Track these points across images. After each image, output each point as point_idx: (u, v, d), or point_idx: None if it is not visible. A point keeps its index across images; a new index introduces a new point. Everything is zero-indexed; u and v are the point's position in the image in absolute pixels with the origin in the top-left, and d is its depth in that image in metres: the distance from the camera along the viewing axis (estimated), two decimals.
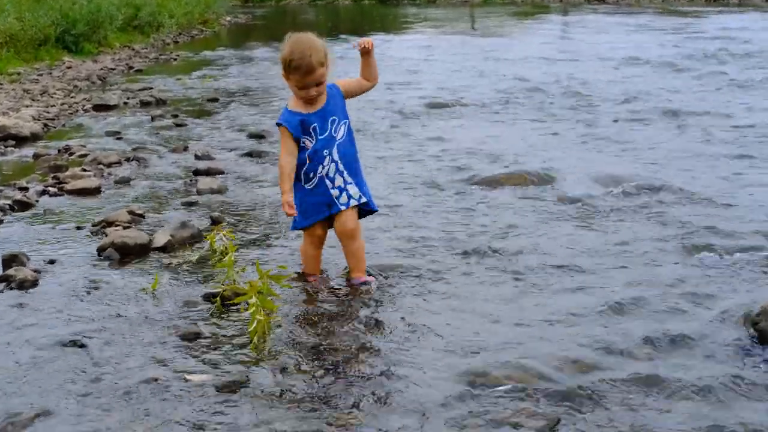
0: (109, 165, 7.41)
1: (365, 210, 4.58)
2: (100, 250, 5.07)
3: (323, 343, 3.77)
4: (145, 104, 11.36)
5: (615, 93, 10.92)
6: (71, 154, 7.94)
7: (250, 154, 7.88)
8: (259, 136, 8.75)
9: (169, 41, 22.40)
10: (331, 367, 3.52)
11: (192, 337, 3.83)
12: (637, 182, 6.31)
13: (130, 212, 5.79)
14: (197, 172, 7.12)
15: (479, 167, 7.06)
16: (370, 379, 3.41)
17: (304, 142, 4.36)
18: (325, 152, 4.37)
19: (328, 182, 4.40)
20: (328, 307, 4.20)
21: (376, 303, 4.24)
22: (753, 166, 6.90)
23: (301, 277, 4.58)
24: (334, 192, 4.41)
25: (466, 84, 12.25)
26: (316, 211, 4.43)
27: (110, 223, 5.55)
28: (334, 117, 4.41)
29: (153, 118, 10.07)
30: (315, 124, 4.35)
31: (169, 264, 4.91)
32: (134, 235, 5.16)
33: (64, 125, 9.86)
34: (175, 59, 18.14)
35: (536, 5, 39.72)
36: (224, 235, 4.73)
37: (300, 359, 3.60)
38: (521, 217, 5.67)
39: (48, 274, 4.71)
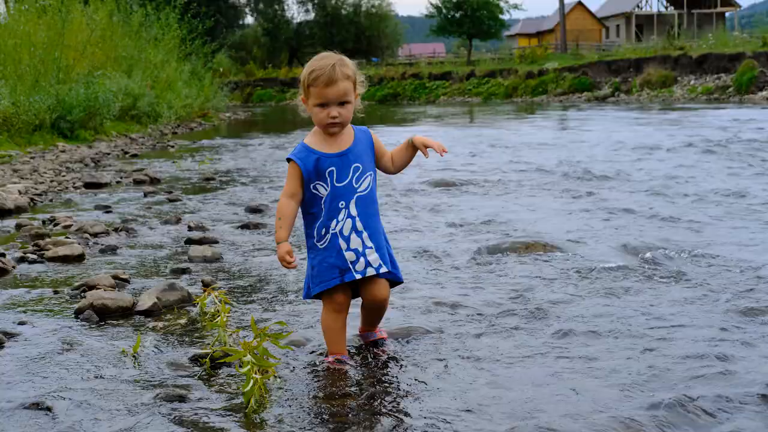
0: (95, 234, 6.91)
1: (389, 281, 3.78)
2: (78, 313, 4.53)
3: (330, 408, 3.22)
4: (138, 182, 10.94)
5: (619, 172, 10.53)
6: (56, 224, 7.45)
7: (246, 226, 7.39)
8: (256, 210, 8.28)
9: (167, 131, 22.17)
10: None
11: (176, 399, 3.28)
12: (660, 250, 5.82)
13: (115, 276, 5.28)
14: (189, 241, 6.62)
15: (494, 237, 6.58)
16: None
17: (316, 188, 3.60)
18: (341, 204, 3.58)
19: (341, 242, 3.58)
20: (336, 366, 3.64)
21: (391, 364, 3.69)
22: None
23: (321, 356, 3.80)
24: (349, 255, 3.59)
25: (469, 165, 11.89)
26: (328, 275, 3.60)
27: (91, 287, 5.03)
28: (358, 164, 3.62)
29: (146, 194, 9.64)
30: (333, 168, 3.58)
31: (155, 327, 4.36)
32: (115, 297, 4.63)
33: (51, 200, 9.39)
34: (173, 146, 17.84)
35: (535, 104, 40.01)
36: (216, 296, 4.22)
37: (302, 426, 3.04)
38: (543, 284, 5.14)
39: (16, 337, 4.16)
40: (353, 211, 3.59)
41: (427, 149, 3.68)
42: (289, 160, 3.65)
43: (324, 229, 3.60)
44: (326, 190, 3.58)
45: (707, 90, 36.47)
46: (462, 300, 4.74)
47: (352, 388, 3.42)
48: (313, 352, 3.90)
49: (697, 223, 7.04)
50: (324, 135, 3.65)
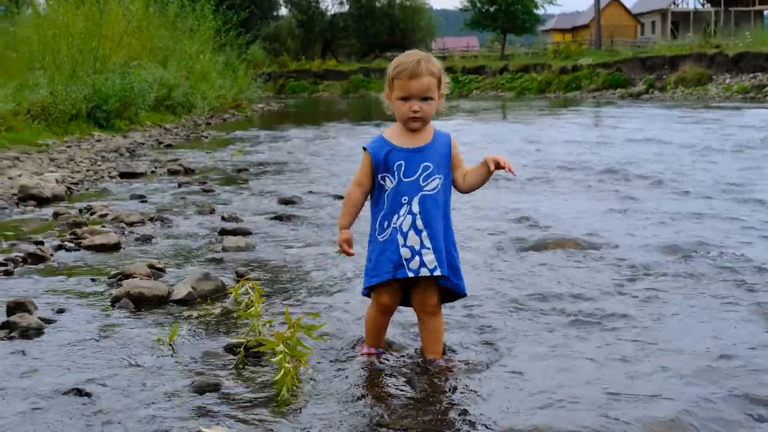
0: (131, 224, 7.02)
1: (450, 291, 3.67)
2: (114, 301, 4.63)
3: (360, 400, 3.28)
4: (173, 173, 11.06)
5: (653, 170, 10.48)
6: (92, 213, 7.56)
7: (279, 218, 7.46)
8: (289, 202, 8.36)
9: (200, 122, 22.32)
10: (369, 429, 3.02)
11: (211, 388, 3.35)
12: (695, 249, 5.82)
13: (150, 266, 5.37)
14: (223, 232, 6.70)
15: (526, 232, 6.60)
16: None
17: (384, 180, 3.56)
18: (404, 199, 3.51)
19: (399, 237, 3.50)
20: (364, 362, 3.70)
21: (421, 360, 3.74)
22: None
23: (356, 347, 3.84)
24: (405, 252, 3.49)
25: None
26: (384, 269, 3.53)
27: (127, 276, 5.12)
28: (428, 163, 3.54)
29: (180, 185, 9.75)
30: (401, 162, 3.52)
31: (189, 316, 4.44)
32: (152, 286, 4.72)
33: (87, 189, 9.52)
34: (206, 137, 17.98)
35: (568, 100, 39.83)
36: (250, 287, 4.29)
37: (333, 419, 3.10)
38: (582, 282, 5.16)
39: (56, 323, 4.26)
40: (415, 208, 3.51)
41: (494, 164, 3.57)
42: (364, 149, 3.63)
43: (386, 222, 3.55)
44: (392, 182, 3.54)
45: (743, 89, 36.10)
46: (491, 294, 4.78)
47: (385, 382, 3.48)
48: (346, 344, 3.95)
49: (739, 224, 7.01)
50: (403, 129, 3.61)
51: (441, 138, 3.63)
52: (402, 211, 3.52)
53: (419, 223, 3.50)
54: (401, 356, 3.77)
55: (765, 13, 73.79)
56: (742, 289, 4.87)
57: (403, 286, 3.62)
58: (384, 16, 75.60)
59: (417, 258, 3.49)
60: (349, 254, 3.60)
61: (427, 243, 3.50)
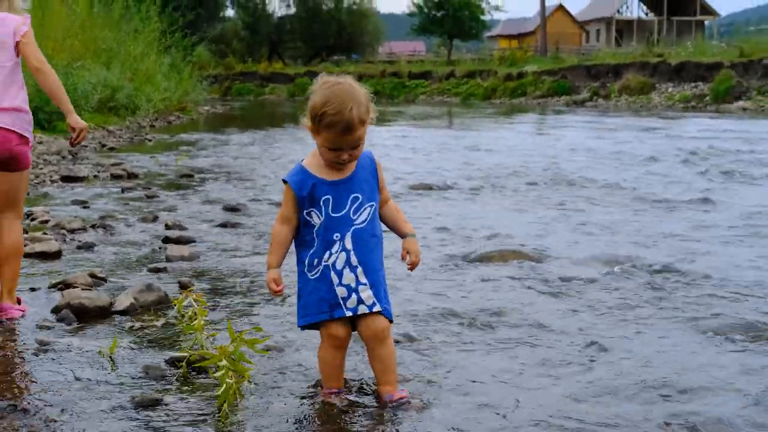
0: (73, 231, 6.91)
1: None
2: (55, 312, 4.56)
3: (303, 414, 3.26)
4: (116, 177, 10.93)
5: (595, 179, 10.64)
6: (33, 219, 7.43)
7: (224, 225, 7.41)
8: (234, 209, 8.30)
9: (145, 124, 22.09)
10: None
11: (152, 403, 3.31)
12: (635, 262, 5.91)
13: (92, 275, 5.30)
14: (167, 240, 6.64)
15: (469, 244, 6.64)
16: None
17: (310, 215, 3.33)
18: (336, 236, 3.30)
19: (334, 276, 3.30)
20: (308, 375, 3.69)
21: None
22: (742, 247, 6.50)
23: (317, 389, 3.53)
24: (341, 291, 3.30)
25: (446, 169, 11.96)
26: (317, 308, 3.34)
27: (68, 285, 5.04)
28: (357, 195, 3.33)
29: (123, 190, 9.63)
30: (329, 196, 3.30)
31: (131, 327, 4.39)
32: (93, 297, 4.65)
33: (29, 194, 9.35)
34: (150, 140, 17.80)
35: (514, 106, 40.17)
36: (194, 299, 4.24)
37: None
38: (520, 293, 5.21)
39: None
40: (348, 245, 3.30)
41: (405, 252, 3.44)
42: (285, 182, 3.38)
43: (316, 260, 3.33)
44: (320, 218, 3.31)
45: (684, 98, 36.71)
46: (432, 308, 4.80)
47: (330, 402, 3.47)
48: (291, 357, 3.94)
49: (669, 234, 7.12)
50: None
51: (366, 162, 3.40)
52: (334, 249, 3.31)
53: (353, 260, 3.31)
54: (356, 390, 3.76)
55: (706, 23, 75.16)
56: (674, 301, 4.96)
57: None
58: (331, 20, 75.49)
59: (354, 296, 3.30)
60: (278, 293, 3.40)
61: (363, 279, 3.31)
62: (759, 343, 4.20)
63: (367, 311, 3.31)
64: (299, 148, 15.17)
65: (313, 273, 3.34)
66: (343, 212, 3.31)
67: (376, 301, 3.32)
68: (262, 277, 5.51)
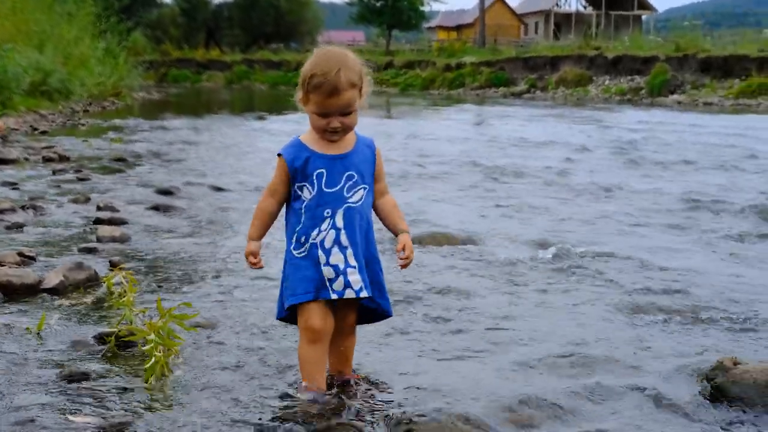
0: (1, 211, 6.82)
1: (371, 311, 3.33)
2: None
3: (228, 388, 3.30)
4: (47, 160, 10.77)
5: (529, 167, 10.81)
6: None
7: (156, 208, 7.38)
8: (167, 192, 8.27)
9: (78, 109, 21.78)
10: (231, 414, 3.05)
11: (79, 377, 3.31)
12: (564, 245, 6.04)
13: (20, 254, 5.25)
14: (98, 221, 6.59)
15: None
16: None
17: (301, 189, 3.16)
18: (327, 212, 3.13)
19: (321, 254, 3.12)
20: (238, 353, 3.72)
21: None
22: (665, 232, 6.70)
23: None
24: (327, 271, 3.11)
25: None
26: (302, 288, 3.12)
27: None
28: (352, 172, 3.16)
29: (54, 172, 9.52)
30: (322, 170, 3.13)
31: (60, 305, 4.37)
32: (21, 274, 4.62)
33: None
34: (84, 125, 17.57)
35: (452, 97, 40.40)
36: (124, 277, 4.24)
37: (198, 405, 3.11)
38: (451, 277, 5.29)
39: None
40: (339, 223, 3.13)
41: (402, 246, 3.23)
42: (279, 155, 3.19)
43: (304, 237, 3.14)
44: (311, 193, 3.13)
45: (621, 91, 37.33)
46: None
47: (254, 368, 3.51)
48: (220, 334, 3.96)
49: (593, 220, 7.29)
50: None
51: (365, 148, 3.26)
52: (324, 226, 3.13)
53: (344, 240, 3.13)
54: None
55: (643, 18, 76.35)
56: (604, 284, 5.10)
57: (330, 308, 3.18)
58: (269, 7, 75.06)
59: (341, 278, 3.12)
60: (256, 266, 3.25)
61: (352, 261, 3.14)
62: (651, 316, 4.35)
63: (354, 296, 3.15)
64: (235, 135, 15.10)
65: (301, 251, 3.14)
66: (337, 188, 3.14)
67: (363, 287, 3.15)
68: (194, 258, 5.52)
